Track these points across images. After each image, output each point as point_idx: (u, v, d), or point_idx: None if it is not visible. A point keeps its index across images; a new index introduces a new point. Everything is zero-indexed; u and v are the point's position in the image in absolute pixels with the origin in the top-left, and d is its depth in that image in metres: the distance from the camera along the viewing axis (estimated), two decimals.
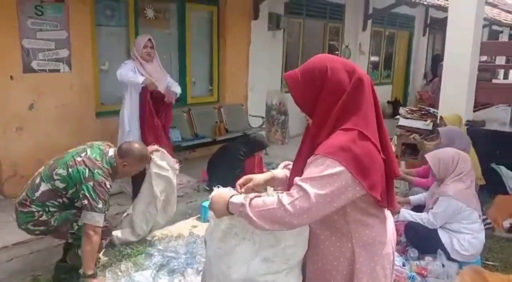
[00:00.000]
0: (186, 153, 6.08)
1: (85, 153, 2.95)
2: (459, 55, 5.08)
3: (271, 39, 7.51)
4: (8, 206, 4.32)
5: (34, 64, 4.51)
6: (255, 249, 1.68)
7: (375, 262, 1.61)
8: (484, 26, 10.96)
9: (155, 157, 3.52)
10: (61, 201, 2.94)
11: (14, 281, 3.09)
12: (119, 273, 3.08)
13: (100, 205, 2.81)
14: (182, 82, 6.32)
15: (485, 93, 5.66)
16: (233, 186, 1.80)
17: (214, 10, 6.56)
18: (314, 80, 1.56)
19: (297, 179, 1.51)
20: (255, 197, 1.57)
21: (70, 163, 2.88)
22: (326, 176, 1.45)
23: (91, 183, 2.81)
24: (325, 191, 1.45)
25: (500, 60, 10.80)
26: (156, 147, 3.59)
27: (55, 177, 2.87)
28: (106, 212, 2.90)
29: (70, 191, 2.89)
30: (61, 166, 2.89)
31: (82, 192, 2.81)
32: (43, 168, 3.02)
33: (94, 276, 2.85)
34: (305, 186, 1.46)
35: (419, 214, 3.49)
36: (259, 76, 7.20)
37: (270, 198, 1.53)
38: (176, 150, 5.85)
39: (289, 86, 1.61)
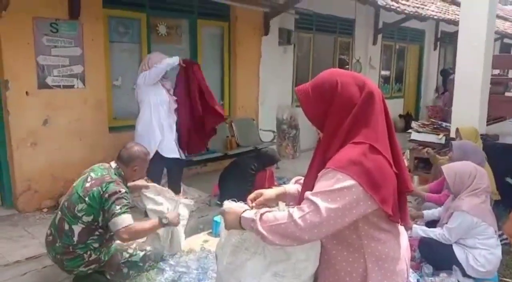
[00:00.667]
0: (197, 167, 6.10)
1: (89, 177, 2.98)
2: (471, 68, 5.05)
3: (282, 54, 7.56)
4: (21, 220, 4.37)
5: (49, 80, 4.59)
6: (266, 264, 1.67)
7: (388, 279, 1.59)
8: (495, 40, 10.91)
9: (147, 193, 3.48)
10: (98, 233, 2.95)
11: None
12: None
13: (117, 209, 2.83)
14: None
15: (498, 106, 5.60)
16: (244, 200, 1.80)
17: (225, 26, 6.64)
18: (324, 95, 1.57)
19: (307, 193, 1.51)
20: (266, 212, 1.56)
21: (83, 194, 2.90)
22: (336, 190, 1.45)
23: (106, 196, 2.86)
24: (336, 205, 1.44)
25: None
26: (145, 184, 3.53)
27: (79, 214, 2.88)
28: (128, 213, 2.88)
29: (100, 218, 2.91)
30: (77, 202, 2.90)
31: (104, 208, 2.86)
32: (58, 214, 3.01)
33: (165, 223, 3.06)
34: (316, 200, 1.46)
35: (432, 229, 3.44)
36: (270, 91, 7.23)
37: (281, 213, 1.53)
38: (187, 164, 5.89)
39: (300, 100, 1.62)
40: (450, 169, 3.44)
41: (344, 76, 1.57)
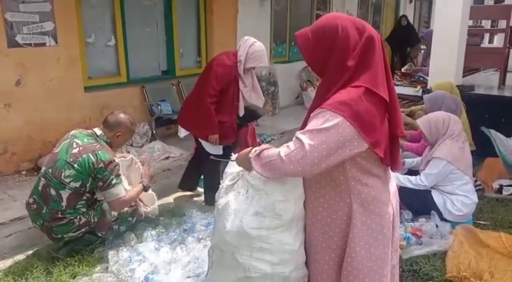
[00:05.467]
0: (177, 125, 6.03)
1: (75, 143, 2.91)
2: (449, 20, 5.06)
3: (259, 8, 7.39)
4: (1, 183, 4.30)
5: (18, 38, 4.38)
6: (248, 203, 1.77)
7: (371, 220, 1.65)
8: None
9: None
10: (85, 198, 2.97)
11: (16, 256, 3.08)
12: (122, 244, 3.09)
13: (114, 180, 2.90)
14: (170, 54, 6.24)
15: (474, 58, 5.67)
16: (225, 156, 1.84)
17: None
18: (324, 39, 1.56)
19: (297, 132, 1.56)
20: (264, 150, 1.64)
21: (71, 160, 2.84)
22: (323, 129, 1.48)
23: (101, 165, 2.85)
24: (320, 143, 1.48)
25: (486, 24, 10.76)
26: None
27: (67, 180, 2.84)
28: (121, 183, 2.99)
29: (87, 184, 2.90)
30: (63, 168, 2.84)
31: (97, 176, 2.86)
32: (42, 180, 2.93)
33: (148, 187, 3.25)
34: (302, 137, 1.51)
35: (409, 176, 3.53)
36: None
37: (273, 150, 1.61)
38: (166, 122, 5.83)
39: (300, 46, 1.62)
40: (424, 119, 3.52)
41: (344, 20, 1.57)
